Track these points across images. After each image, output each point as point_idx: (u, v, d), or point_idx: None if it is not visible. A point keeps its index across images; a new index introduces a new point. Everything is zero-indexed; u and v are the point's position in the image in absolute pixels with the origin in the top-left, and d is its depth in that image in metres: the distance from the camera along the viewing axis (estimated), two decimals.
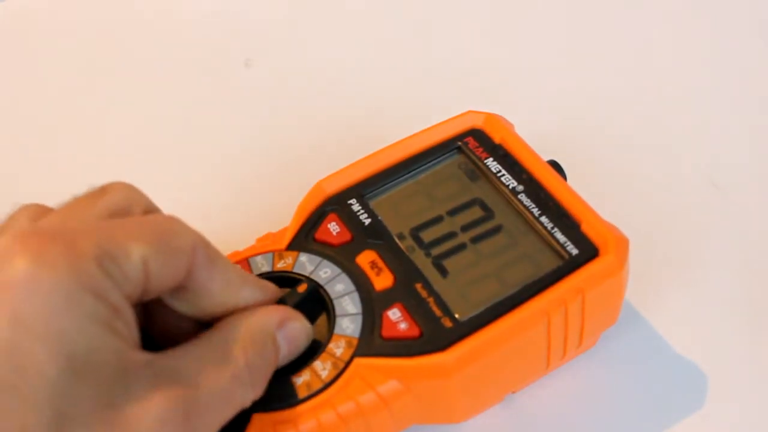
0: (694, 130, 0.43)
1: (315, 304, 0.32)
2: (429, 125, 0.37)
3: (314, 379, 0.31)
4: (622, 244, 0.32)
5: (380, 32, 0.47)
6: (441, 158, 0.37)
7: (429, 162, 0.37)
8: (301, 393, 0.30)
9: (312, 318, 0.32)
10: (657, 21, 0.48)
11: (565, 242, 0.33)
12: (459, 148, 0.37)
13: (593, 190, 0.36)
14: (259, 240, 0.35)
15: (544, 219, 0.34)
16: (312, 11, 0.47)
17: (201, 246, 0.28)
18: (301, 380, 0.31)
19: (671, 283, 0.38)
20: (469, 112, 0.38)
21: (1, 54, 0.46)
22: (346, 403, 0.30)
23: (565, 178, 0.37)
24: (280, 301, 0.31)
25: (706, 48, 0.46)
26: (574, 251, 0.32)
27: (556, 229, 0.33)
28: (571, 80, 0.41)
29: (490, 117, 0.37)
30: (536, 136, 0.37)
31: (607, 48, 0.46)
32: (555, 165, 0.37)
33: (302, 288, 0.32)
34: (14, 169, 0.42)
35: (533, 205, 0.34)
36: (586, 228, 0.33)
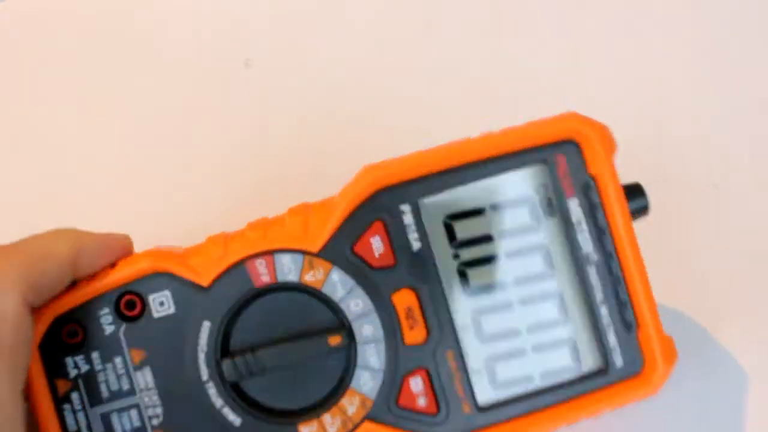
0: (694, 130, 0.41)
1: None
2: (435, 126, 0.33)
3: None
4: (668, 365, 0.30)
5: (381, 32, 0.43)
6: (520, 168, 0.31)
7: (505, 169, 0.31)
8: None
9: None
10: (656, 20, 0.43)
11: (614, 347, 0.30)
12: (546, 163, 0.31)
13: None
14: (251, 226, 0.31)
15: (603, 310, 0.30)
16: (312, 11, 0.43)
17: (80, 252, 0.29)
18: (307, 431, 0.30)
19: (671, 283, 0.37)
20: (572, 115, 0.31)
21: (1, 54, 0.42)
22: None
23: (647, 208, 0.32)
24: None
25: (706, 47, 0.42)
26: (619, 361, 0.30)
27: (611, 327, 0.30)
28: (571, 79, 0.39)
29: (595, 128, 0.31)
30: None
31: (606, 47, 0.43)
32: (637, 190, 0.32)
33: (335, 341, 0.30)
34: (14, 168, 0.40)
35: (599, 287, 0.30)
36: (642, 336, 0.30)
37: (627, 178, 0.32)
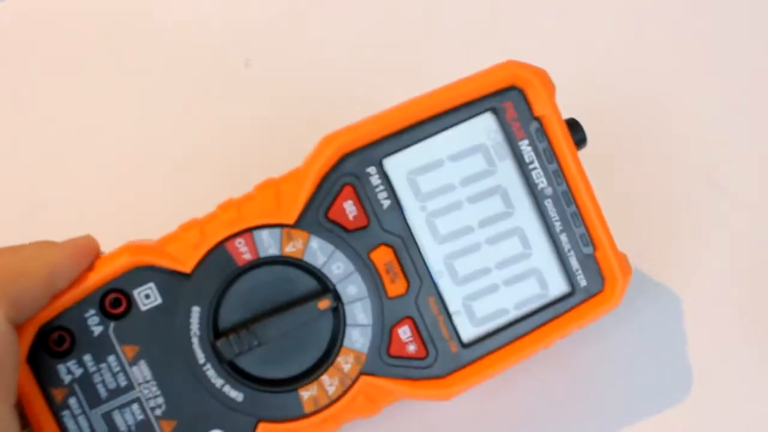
0: (694, 130, 0.42)
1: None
2: None
3: (321, 394, 0.31)
4: (626, 279, 0.33)
5: (382, 32, 0.43)
6: (471, 118, 0.32)
7: (457, 121, 0.32)
8: (308, 407, 0.31)
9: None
10: (656, 20, 0.44)
11: (577, 270, 0.33)
12: (494, 111, 0.32)
13: None
14: (222, 207, 0.31)
15: (563, 237, 0.33)
16: (312, 11, 0.43)
17: (56, 264, 0.29)
18: (308, 395, 0.31)
19: (671, 283, 0.39)
20: (510, 62, 0.33)
21: (1, 54, 0.41)
22: (350, 417, 0.32)
23: (585, 140, 0.35)
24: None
25: (706, 47, 0.43)
26: (583, 282, 0.33)
27: (572, 252, 0.33)
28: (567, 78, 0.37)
29: (535, 73, 0.33)
30: None
31: (606, 47, 0.43)
32: (574, 125, 0.34)
33: (324, 305, 0.31)
34: (14, 168, 0.40)
35: (557, 217, 0.33)
36: (600, 256, 0.33)
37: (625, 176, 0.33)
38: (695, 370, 0.38)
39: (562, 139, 0.33)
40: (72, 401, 0.30)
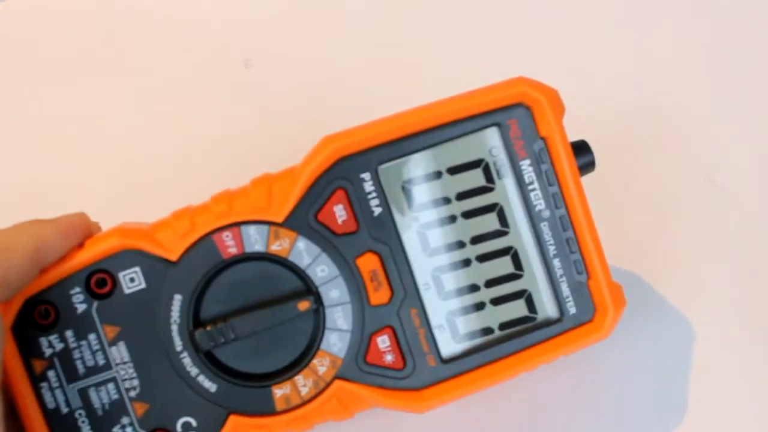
0: (694, 130, 0.41)
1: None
2: None
3: (294, 394, 0.31)
4: (618, 311, 0.32)
5: (382, 32, 0.43)
6: (474, 132, 0.32)
7: (460, 134, 0.32)
8: (279, 405, 0.31)
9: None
10: (655, 19, 0.43)
11: (568, 297, 0.32)
12: (498, 126, 0.32)
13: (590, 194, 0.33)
14: (215, 199, 0.31)
15: (557, 262, 0.32)
16: (313, 11, 0.43)
17: (42, 240, 0.29)
18: (281, 393, 0.31)
19: (670, 283, 0.39)
20: (521, 79, 0.32)
21: (1, 54, 0.42)
22: (322, 419, 0.32)
23: (593, 164, 0.34)
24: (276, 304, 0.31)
25: (706, 46, 0.43)
26: (573, 309, 0.32)
27: (564, 279, 0.32)
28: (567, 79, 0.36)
29: (544, 93, 0.32)
30: None
31: (605, 46, 0.43)
32: (583, 147, 0.34)
33: (304, 306, 0.31)
34: (14, 168, 0.40)
35: (551, 242, 0.32)
36: (593, 285, 0.32)
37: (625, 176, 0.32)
38: (695, 370, 0.37)
39: (565, 162, 0.32)
40: (51, 374, 0.30)
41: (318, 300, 0.31)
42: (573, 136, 0.33)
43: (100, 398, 0.31)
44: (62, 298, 0.30)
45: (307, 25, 0.43)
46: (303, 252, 0.31)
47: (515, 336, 0.32)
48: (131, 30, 0.42)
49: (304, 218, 0.31)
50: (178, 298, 0.31)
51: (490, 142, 0.32)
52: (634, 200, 0.39)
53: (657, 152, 0.41)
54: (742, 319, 0.38)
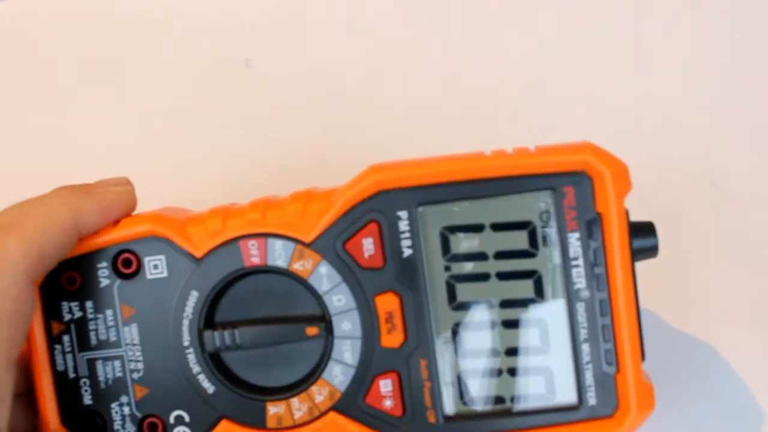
0: (694, 130, 0.40)
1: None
2: (434, 132, 0.31)
3: (287, 415, 0.31)
4: (642, 414, 0.30)
5: (382, 32, 0.42)
6: (527, 192, 0.30)
7: (511, 191, 0.30)
8: (270, 423, 0.31)
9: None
10: (655, 19, 0.42)
11: (590, 386, 0.30)
12: (554, 190, 0.30)
13: None
14: (253, 205, 0.31)
15: (585, 348, 0.30)
16: (312, 11, 0.43)
17: (82, 214, 0.30)
18: (274, 411, 0.31)
19: (670, 282, 0.38)
20: (588, 146, 0.30)
21: (1, 54, 0.43)
22: None
23: (656, 249, 0.31)
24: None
25: (706, 46, 0.41)
26: (593, 400, 0.30)
27: (590, 365, 0.30)
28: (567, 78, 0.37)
29: (612, 165, 0.29)
30: None
31: (604, 46, 0.41)
32: (647, 229, 0.31)
33: (312, 332, 0.30)
34: (14, 169, 0.41)
35: (585, 324, 0.30)
36: (620, 379, 0.30)
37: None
38: (693, 369, 0.38)
39: (617, 243, 0.29)
40: (65, 338, 0.31)
41: (329, 328, 0.30)
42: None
43: (105, 372, 0.31)
44: (89, 269, 0.31)
45: (308, 25, 0.42)
46: (324, 277, 0.30)
47: (526, 413, 0.30)
48: (131, 30, 0.43)
49: (332, 244, 0.30)
50: (194, 295, 0.31)
51: (542, 206, 0.30)
52: (633, 201, 0.37)
53: (657, 152, 0.40)
54: (741, 319, 0.38)
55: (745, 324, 0.38)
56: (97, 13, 0.43)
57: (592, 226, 0.30)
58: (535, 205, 0.30)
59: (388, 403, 0.31)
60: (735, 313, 0.38)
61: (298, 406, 0.31)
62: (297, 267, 0.31)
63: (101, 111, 0.43)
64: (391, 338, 0.30)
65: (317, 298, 0.31)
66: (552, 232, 0.30)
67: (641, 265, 0.31)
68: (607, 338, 0.30)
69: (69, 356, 0.31)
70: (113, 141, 0.42)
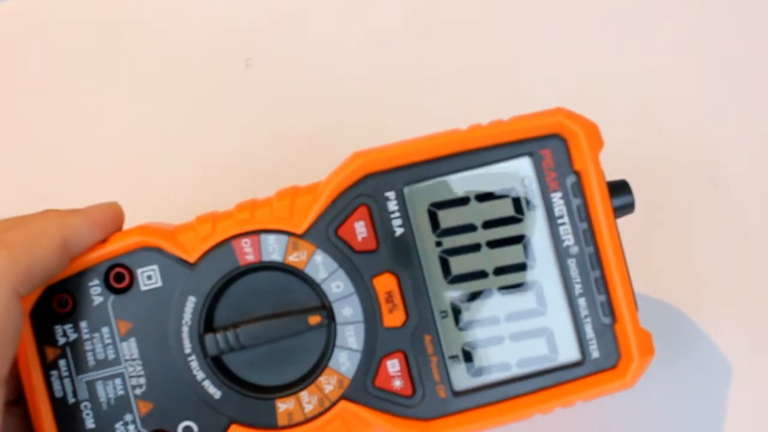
0: (694, 130, 0.41)
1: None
2: (436, 127, 0.32)
3: (297, 410, 0.31)
4: (644, 360, 0.31)
5: (383, 32, 0.43)
6: (506, 160, 0.31)
7: (491, 160, 0.31)
8: (281, 420, 0.31)
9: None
10: (654, 20, 0.43)
11: (591, 339, 0.31)
12: (531, 156, 0.31)
13: None
14: (240, 207, 0.31)
15: (582, 302, 0.31)
16: (312, 11, 0.43)
17: (70, 232, 0.29)
18: (284, 407, 0.31)
19: (671, 283, 0.38)
20: (559, 110, 0.31)
21: (1, 54, 0.43)
22: None
23: (632, 205, 0.32)
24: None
25: (706, 47, 0.42)
26: (596, 353, 0.31)
27: (588, 320, 0.31)
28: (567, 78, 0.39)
29: (582, 125, 0.31)
30: None
31: (603, 46, 0.42)
32: (623, 187, 0.32)
33: (315, 321, 0.30)
34: (13, 169, 0.41)
35: (578, 279, 0.31)
36: (619, 329, 0.31)
37: (624, 176, 0.32)
38: (694, 370, 0.38)
39: (598, 198, 0.31)
40: (62, 363, 0.31)
41: (330, 316, 0.31)
42: None
43: (107, 392, 0.31)
44: (80, 289, 0.31)
45: (308, 25, 0.43)
46: (320, 266, 0.31)
47: (533, 375, 0.31)
48: (131, 31, 0.43)
49: (324, 232, 0.31)
50: (191, 300, 0.31)
51: (522, 172, 0.31)
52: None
53: (657, 152, 0.40)
54: (741, 319, 0.38)
55: (745, 324, 0.38)
56: (97, 13, 0.43)
57: (573, 184, 0.31)
58: (515, 172, 0.31)
59: (397, 384, 0.31)
60: (735, 314, 0.39)
61: (308, 399, 0.31)
62: (292, 259, 0.31)
63: (101, 111, 0.42)
64: (393, 318, 0.31)
65: (315, 287, 0.31)
66: (535, 195, 0.31)
67: (641, 265, 0.33)
68: (601, 290, 0.31)
69: (67, 381, 0.31)
70: (113, 140, 0.42)
